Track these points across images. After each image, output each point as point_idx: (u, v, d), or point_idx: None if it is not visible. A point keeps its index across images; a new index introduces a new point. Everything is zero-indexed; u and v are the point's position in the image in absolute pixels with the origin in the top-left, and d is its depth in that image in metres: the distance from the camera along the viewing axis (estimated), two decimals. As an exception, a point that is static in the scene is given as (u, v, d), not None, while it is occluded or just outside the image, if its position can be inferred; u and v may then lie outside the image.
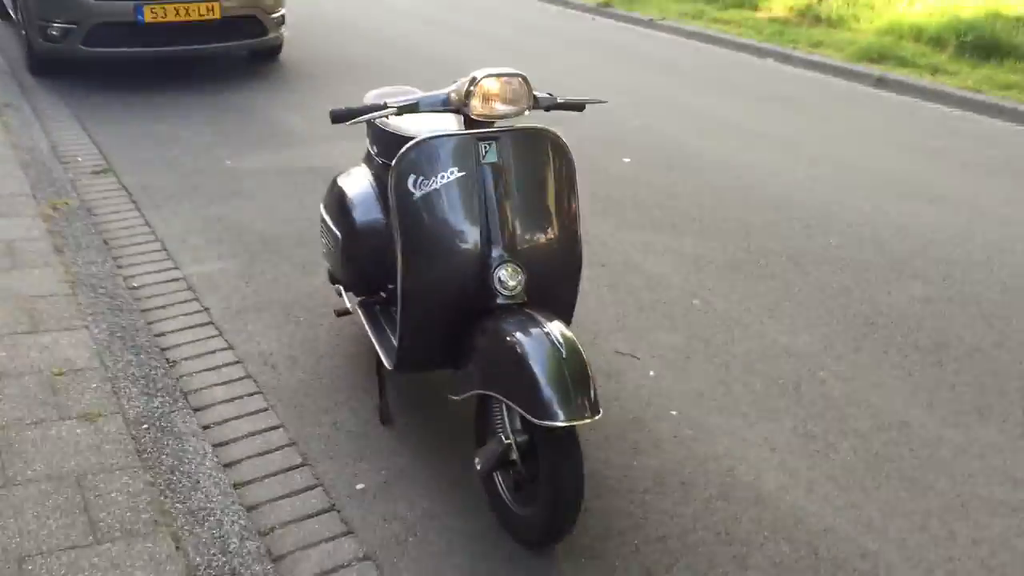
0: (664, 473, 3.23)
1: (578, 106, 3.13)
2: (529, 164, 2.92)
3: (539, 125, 2.97)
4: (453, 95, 2.83)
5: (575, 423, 2.55)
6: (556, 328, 2.68)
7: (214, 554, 2.64)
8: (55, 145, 6.35)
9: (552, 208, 2.96)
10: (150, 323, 4.10)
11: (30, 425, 3.12)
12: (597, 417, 2.57)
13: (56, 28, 7.74)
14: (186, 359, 3.85)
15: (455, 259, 2.84)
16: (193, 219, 5.23)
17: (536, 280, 2.88)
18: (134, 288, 4.43)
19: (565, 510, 2.68)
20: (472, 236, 2.83)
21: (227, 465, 3.19)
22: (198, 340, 4.00)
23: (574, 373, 2.58)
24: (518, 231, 2.87)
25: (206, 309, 4.26)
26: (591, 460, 3.20)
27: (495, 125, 2.90)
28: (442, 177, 2.81)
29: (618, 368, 3.87)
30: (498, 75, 2.79)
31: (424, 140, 2.84)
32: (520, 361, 2.60)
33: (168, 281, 4.52)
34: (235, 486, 3.08)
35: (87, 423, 3.16)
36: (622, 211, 5.57)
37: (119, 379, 3.45)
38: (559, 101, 3.04)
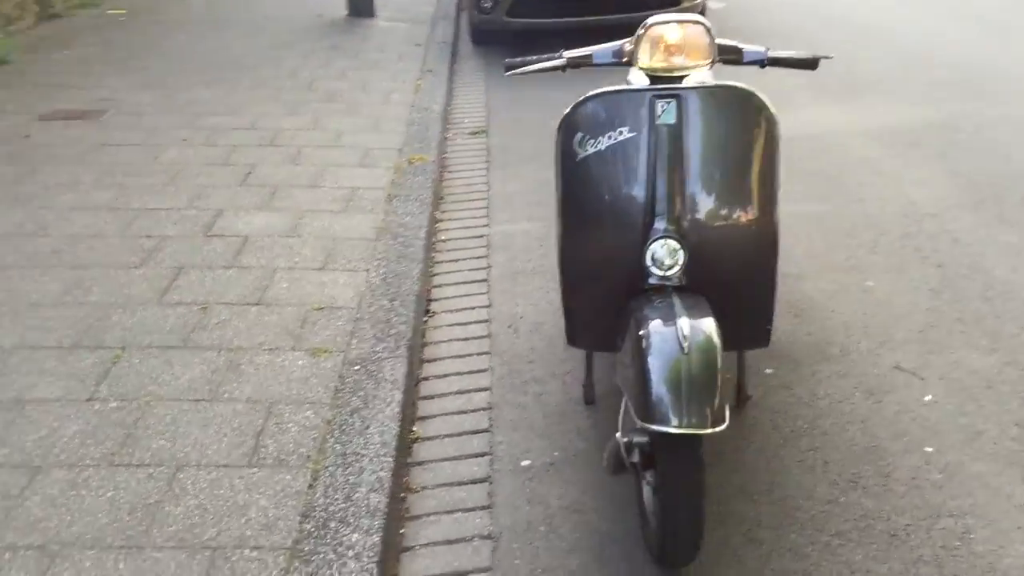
0: (873, 518, 2.62)
1: (805, 62, 2.61)
2: (716, 128, 2.51)
3: (735, 83, 2.53)
4: (627, 45, 2.50)
5: (683, 431, 2.15)
6: (696, 323, 2.28)
7: (336, 499, 2.64)
8: (450, 107, 6.81)
9: (739, 183, 2.52)
10: (434, 275, 4.23)
11: (265, 351, 3.37)
12: (716, 430, 2.16)
13: (488, 1, 8.30)
14: (445, 312, 3.92)
15: (614, 229, 2.53)
16: (529, 181, 5.30)
17: (708, 265, 2.49)
18: (441, 241, 4.61)
19: (675, 533, 2.29)
20: (635, 205, 2.51)
21: (421, 419, 3.19)
22: (466, 296, 4.05)
23: (696, 377, 2.19)
24: (690, 204, 2.48)
25: (489, 267, 4.29)
26: (791, 486, 2.72)
27: (682, 83, 2.52)
28: (609, 137, 2.52)
29: (890, 385, 3.22)
30: (670, 21, 2.42)
31: (595, 95, 2.55)
32: (640, 354, 2.26)
33: (473, 237, 4.63)
34: (412, 439, 3.07)
35: (311, 357, 3.34)
36: (992, 202, 4.62)
37: (363, 320, 3.60)
38: (772, 55, 2.57)
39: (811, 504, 2.69)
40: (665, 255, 2.45)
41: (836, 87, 6.80)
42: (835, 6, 9.94)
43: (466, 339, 3.71)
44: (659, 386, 2.19)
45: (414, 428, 3.17)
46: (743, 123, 2.53)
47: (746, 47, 2.61)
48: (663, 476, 2.27)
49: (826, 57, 2.68)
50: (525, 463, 2.95)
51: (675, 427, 2.15)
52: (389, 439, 2.93)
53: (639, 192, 2.50)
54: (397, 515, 2.73)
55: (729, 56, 2.58)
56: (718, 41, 2.59)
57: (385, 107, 6.49)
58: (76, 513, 2.57)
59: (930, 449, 2.89)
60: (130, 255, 4.12)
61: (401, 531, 2.71)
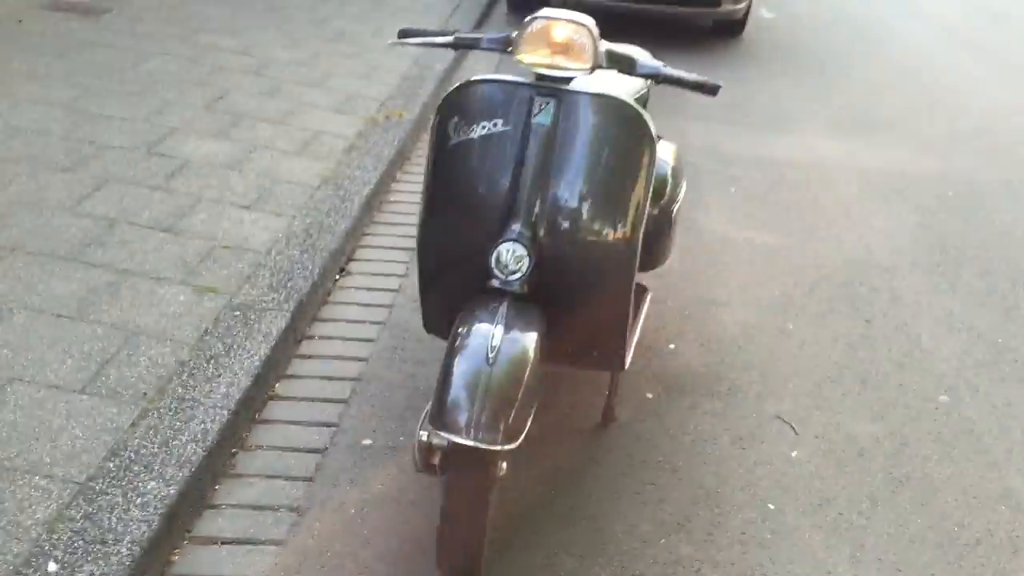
0: (683, 565, 2.54)
1: (700, 86, 2.48)
2: (592, 138, 2.40)
3: (622, 96, 2.43)
4: (515, 35, 2.39)
5: (469, 443, 2.07)
6: (513, 336, 2.19)
7: (153, 443, 2.60)
8: (456, 68, 6.70)
9: (605, 198, 2.42)
10: (365, 234, 4.18)
11: (151, 279, 3.33)
12: (504, 448, 2.08)
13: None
14: (360, 274, 3.87)
15: (470, 223, 2.44)
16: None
17: (558, 276, 2.40)
18: (389, 202, 4.55)
19: (451, 543, 2.22)
20: (494, 201, 2.41)
21: (287, 377, 3.16)
22: (388, 262, 4.01)
23: (495, 390, 2.10)
24: (550, 212, 2.39)
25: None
26: (615, 517, 2.66)
27: (568, 85, 2.41)
28: (482, 127, 2.42)
29: (763, 434, 3.12)
30: (554, 17, 2.30)
31: (476, 80, 2.45)
32: (449, 354, 2.18)
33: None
34: (269, 396, 3.04)
35: (195, 294, 3.29)
36: (949, 266, 4.46)
37: (264, 267, 3.54)
38: (666, 73, 2.44)
39: (627, 540, 2.61)
40: (510, 260, 2.35)
41: (852, 119, 6.60)
42: (888, 33, 9.65)
43: (367, 305, 3.65)
44: (456, 392, 2.11)
45: (276, 386, 3.12)
46: (621, 138, 2.42)
47: (641, 59, 2.49)
48: (448, 484, 2.20)
49: (718, 86, 2.56)
50: (367, 442, 2.90)
51: (461, 437, 2.08)
52: (234, 392, 2.88)
53: (500, 190, 2.40)
54: (215, 470, 2.69)
55: (620, 66, 2.47)
56: (611, 47, 2.47)
57: (387, 56, 6.40)
58: None
59: (772, 507, 2.79)
60: (63, 157, 4.10)
61: (216, 487, 2.66)
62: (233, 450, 2.81)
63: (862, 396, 3.39)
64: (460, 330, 2.21)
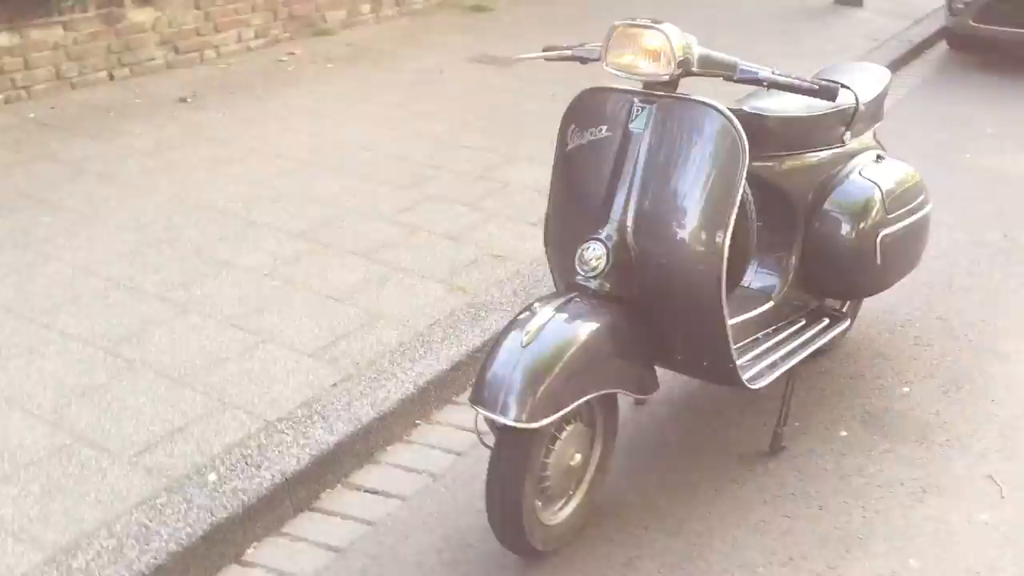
0: None
1: (815, 91, 2.36)
2: (683, 142, 2.42)
3: (704, 99, 2.40)
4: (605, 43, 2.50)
5: (491, 416, 2.24)
6: (559, 325, 2.31)
7: (341, 400, 3.07)
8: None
9: (693, 203, 2.42)
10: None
11: (417, 276, 3.83)
12: (525, 426, 2.22)
13: (962, 1, 7.62)
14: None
15: (575, 223, 2.57)
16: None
17: (649, 280, 2.45)
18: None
19: (492, 516, 2.37)
20: (594, 203, 2.52)
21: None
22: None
23: (527, 371, 2.25)
24: (636, 215, 2.45)
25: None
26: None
27: (664, 91, 2.46)
28: (591, 133, 2.55)
29: (955, 490, 2.76)
30: (629, 23, 2.37)
31: (589, 89, 2.59)
32: (498, 337, 2.35)
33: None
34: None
35: (446, 291, 3.74)
36: None
37: (518, 275, 3.88)
38: (775, 79, 2.37)
39: (722, 560, 2.51)
40: (591, 258, 2.45)
41: None
42: None
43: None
44: (490, 370, 2.28)
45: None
46: (712, 143, 2.40)
47: (743, 64, 2.42)
48: (490, 458, 2.35)
49: (835, 89, 2.38)
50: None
51: (486, 410, 2.25)
52: (427, 372, 3.25)
53: (600, 192, 2.51)
54: (390, 434, 3.07)
55: (719, 71, 2.43)
56: (709, 53, 2.45)
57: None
58: None
59: (914, 563, 2.48)
60: (409, 178, 4.81)
61: (387, 447, 3.05)
62: (416, 421, 3.17)
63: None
64: (519, 316, 2.37)
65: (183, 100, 5.92)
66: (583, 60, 2.66)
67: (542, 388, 2.23)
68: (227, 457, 2.78)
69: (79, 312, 3.47)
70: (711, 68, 2.43)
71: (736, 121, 2.40)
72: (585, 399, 2.34)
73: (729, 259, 2.54)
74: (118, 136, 5.25)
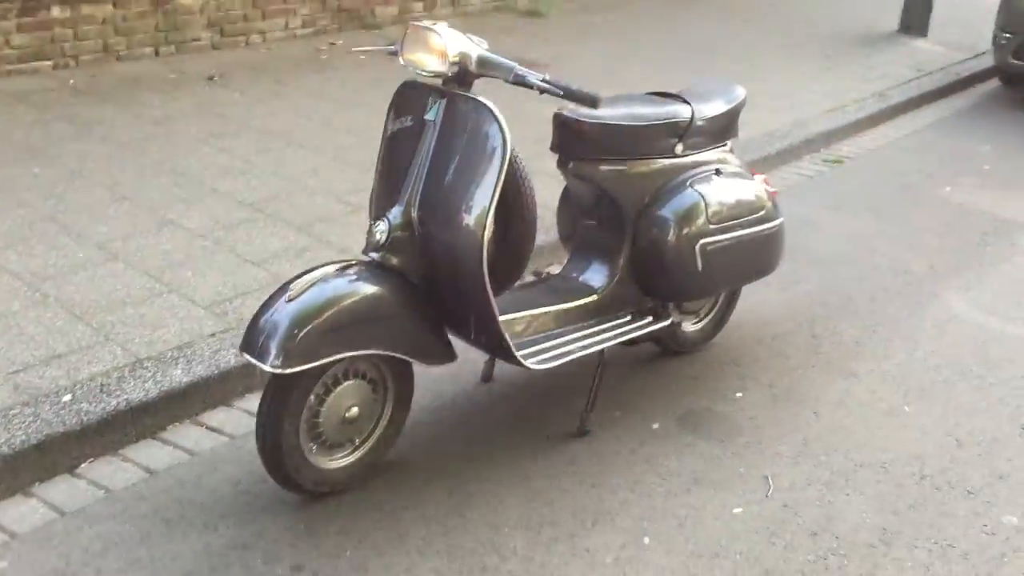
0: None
1: (581, 97, 2.58)
2: (457, 134, 2.70)
3: (481, 98, 2.65)
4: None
5: (247, 357, 2.55)
6: (329, 285, 2.59)
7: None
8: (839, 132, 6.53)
9: (463, 189, 2.67)
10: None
11: (327, 248, 4.17)
12: (280, 371, 2.52)
13: (1003, 37, 7.53)
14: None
15: (377, 202, 2.86)
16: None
17: (428, 256, 2.72)
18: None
19: (258, 450, 2.67)
20: (392, 185, 2.80)
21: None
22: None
23: (286, 322, 2.54)
24: (422, 197, 2.72)
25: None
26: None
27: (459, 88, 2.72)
28: (400, 121, 2.83)
29: (725, 484, 2.91)
30: (415, 25, 2.64)
31: (405, 82, 2.85)
32: (273, 292, 2.66)
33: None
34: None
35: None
36: None
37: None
38: (547, 81, 2.59)
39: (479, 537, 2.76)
40: (375, 232, 2.73)
41: None
42: None
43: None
44: (257, 320, 2.59)
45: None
46: (481, 137, 2.65)
47: (519, 68, 2.65)
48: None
49: (597, 98, 2.59)
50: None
51: (248, 355, 2.56)
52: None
53: (398, 174, 2.78)
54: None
55: (496, 72, 2.66)
56: (487, 56, 2.68)
57: (776, 108, 6.50)
58: None
59: (647, 541, 2.67)
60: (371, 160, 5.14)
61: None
62: (282, 375, 3.49)
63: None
64: (295, 277, 2.67)
65: (210, 79, 6.42)
66: (396, 55, 2.93)
67: (298, 338, 2.52)
68: (88, 383, 3.16)
69: (25, 251, 3.94)
70: (488, 69, 2.68)
71: (501, 120, 2.64)
72: (348, 355, 2.62)
73: (508, 245, 2.79)
74: (135, 106, 5.77)
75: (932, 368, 3.64)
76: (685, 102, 3.25)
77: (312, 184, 4.83)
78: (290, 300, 2.57)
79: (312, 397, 2.68)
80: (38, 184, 4.59)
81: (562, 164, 3.12)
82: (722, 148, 3.41)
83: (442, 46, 2.62)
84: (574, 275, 3.29)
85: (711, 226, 3.17)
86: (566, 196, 3.40)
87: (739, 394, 3.42)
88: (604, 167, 3.11)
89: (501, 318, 2.91)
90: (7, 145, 5.02)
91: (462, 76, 2.70)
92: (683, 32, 8.73)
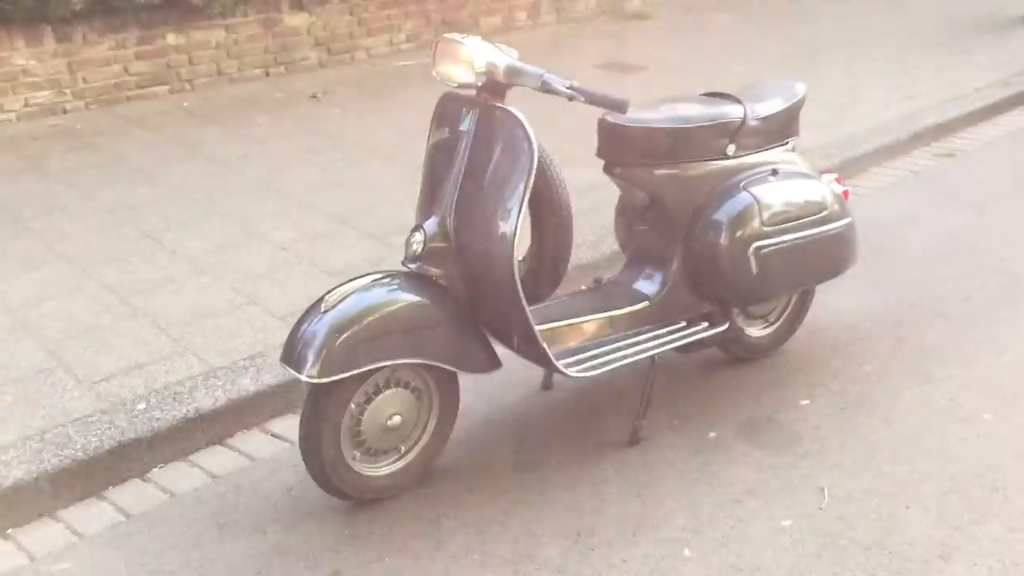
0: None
1: (607, 102, 2.56)
2: (489, 144, 2.72)
3: (506, 106, 2.67)
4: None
5: (288, 369, 2.63)
6: (363, 296, 2.65)
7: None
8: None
9: (494, 199, 2.69)
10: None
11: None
12: (316, 380, 2.59)
13: None
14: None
15: (419, 216, 2.89)
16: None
17: (465, 264, 2.75)
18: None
19: (302, 454, 2.74)
20: (431, 200, 2.84)
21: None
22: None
23: (322, 332, 2.61)
24: (457, 207, 2.75)
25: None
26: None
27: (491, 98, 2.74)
28: (440, 132, 2.86)
29: (764, 493, 2.83)
30: (443, 38, 2.66)
31: (445, 94, 2.88)
32: (311, 305, 2.73)
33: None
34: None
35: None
36: None
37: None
38: (576, 87, 2.58)
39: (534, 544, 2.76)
40: (412, 242, 2.77)
41: None
42: None
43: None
44: (295, 332, 2.67)
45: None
46: (511, 147, 2.65)
47: (548, 76, 2.63)
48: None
49: (624, 101, 2.56)
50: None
51: (288, 366, 2.64)
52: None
53: (435, 186, 2.82)
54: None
55: (526, 81, 2.65)
56: (517, 66, 2.67)
57: (843, 107, 6.25)
58: None
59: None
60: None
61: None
62: (349, 384, 3.58)
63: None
64: (331, 288, 2.73)
65: (314, 96, 6.65)
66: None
67: (334, 348, 2.58)
68: (163, 392, 3.33)
69: (122, 266, 4.17)
70: (517, 78, 2.68)
71: (528, 127, 2.64)
72: (384, 364, 2.67)
73: (546, 253, 2.78)
74: (241, 125, 6.03)
75: (1020, 375, 3.42)
76: (737, 102, 3.17)
77: (399, 196, 4.91)
78: (326, 311, 2.64)
79: (353, 406, 2.74)
80: (143, 203, 4.85)
81: (609, 170, 3.09)
82: (782, 147, 3.30)
83: (469, 57, 2.64)
84: (628, 281, 3.25)
85: (766, 228, 3.08)
86: (621, 202, 3.36)
87: (805, 402, 3.30)
88: (651, 172, 3.07)
89: (546, 326, 2.91)
90: (120, 167, 5.33)
91: (493, 86, 2.71)
92: (797, 27, 8.48)
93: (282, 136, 5.84)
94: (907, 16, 8.87)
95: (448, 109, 2.85)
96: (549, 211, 2.79)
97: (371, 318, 2.64)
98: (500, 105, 2.72)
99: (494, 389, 3.36)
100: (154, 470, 3.14)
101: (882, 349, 3.61)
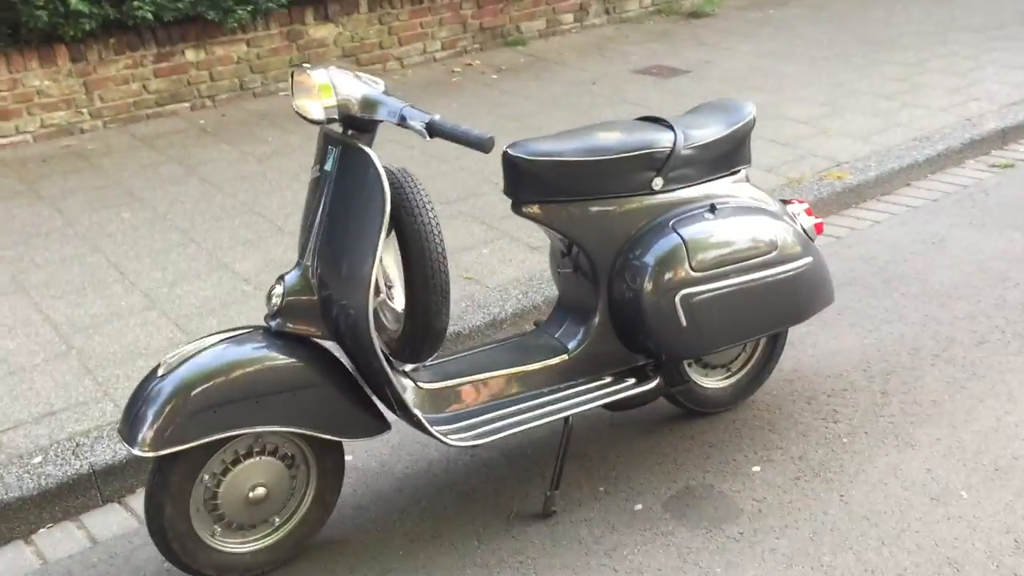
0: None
1: (472, 142, 2.22)
2: (346, 183, 2.43)
3: (364, 146, 2.36)
4: None
5: (123, 442, 2.38)
6: (200, 358, 2.38)
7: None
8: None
9: (347, 245, 2.38)
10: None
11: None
12: (145, 455, 2.34)
13: None
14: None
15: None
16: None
17: (328, 320, 2.47)
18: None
19: (148, 532, 2.49)
20: (300, 241, 2.55)
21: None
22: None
23: (154, 400, 2.35)
24: (319, 254, 2.47)
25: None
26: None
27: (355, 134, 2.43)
28: (313, 170, 2.57)
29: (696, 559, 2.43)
30: (298, 68, 2.36)
31: (321, 129, 2.58)
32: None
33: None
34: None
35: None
36: None
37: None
38: (437, 123, 2.25)
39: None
40: (272, 295, 2.48)
41: None
42: None
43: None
44: (131, 399, 2.41)
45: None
46: (366, 188, 2.36)
47: (407, 109, 2.29)
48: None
49: (490, 140, 2.20)
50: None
51: (121, 439, 2.39)
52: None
53: (304, 229, 2.53)
54: None
55: (383, 117, 2.33)
56: (375, 98, 2.35)
57: (933, 105, 5.67)
58: None
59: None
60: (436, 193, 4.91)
61: None
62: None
63: None
64: (179, 348, 2.47)
65: (332, 109, 6.43)
66: None
67: (169, 417, 2.32)
68: (65, 444, 3.14)
69: (75, 300, 4.02)
70: (375, 112, 2.36)
71: (380, 169, 2.33)
72: (229, 435, 2.39)
73: (416, 310, 2.46)
74: (249, 143, 5.86)
75: (1018, 441, 2.91)
76: (669, 128, 2.77)
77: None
78: (165, 375, 2.38)
79: (206, 476, 2.47)
80: (120, 229, 4.71)
81: (516, 209, 2.73)
82: (730, 178, 2.88)
83: (318, 90, 2.33)
84: (551, 331, 2.89)
85: (696, 274, 2.67)
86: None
87: (756, 468, 2.88)
88: (565, 210, 2.70)
89: (438, 385, 2.61)
90: (111, 189, 5.22)
91: (352, 121, 2.40)
92: (861, 23, 7.85)
93: (286, 155, 5.64)
94: (992, 6, 8.12)
95: (321, 145, 2.55)
96: (419, 262, 2.46)
97: (215, 382, 2.36)
98: (354, 142, 2.40)
99: (408, 447, 3.05)
100: (41, 531, 2.94)
101: (863, 403, 3.14)
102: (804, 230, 3.00)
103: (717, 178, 2.85)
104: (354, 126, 2.42)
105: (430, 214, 2.47)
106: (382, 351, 2.47)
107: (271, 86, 6.86)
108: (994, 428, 2.97)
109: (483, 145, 2.25)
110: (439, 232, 2.47)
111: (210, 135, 6.09)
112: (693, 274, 2.67)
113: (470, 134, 2.27)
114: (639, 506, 2.76)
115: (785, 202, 3.09)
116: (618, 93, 6.39)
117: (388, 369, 2.42)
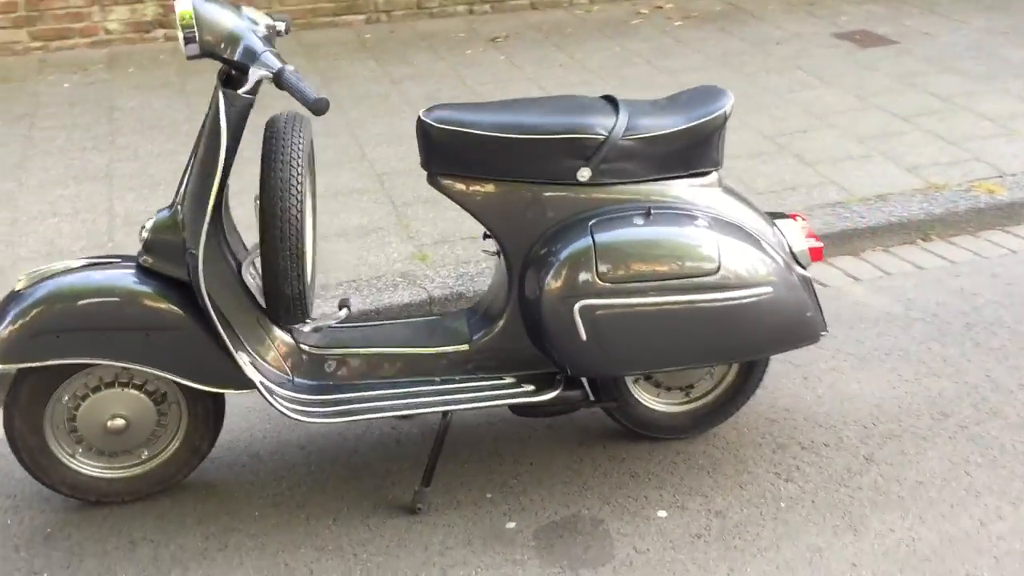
0: None
1: (306, 100, 2.04)
2: (205, 126, 2.32)
3: (220, 85, 2.27)
4: None
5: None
6: (69, 279, 2.38)
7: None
8: None
9: (196, 188, 2.30)
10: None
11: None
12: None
13: None
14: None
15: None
16: None
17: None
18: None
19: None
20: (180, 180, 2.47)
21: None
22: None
23: (9, 315, 2.36)
24: (185, 196, 2.35)
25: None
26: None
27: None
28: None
29: None
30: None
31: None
32: None
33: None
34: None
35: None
36: None
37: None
38: (278, 72, 2.14)
39: None
40: (142, 229, 2.41)
41: None
42: None
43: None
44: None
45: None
46: (213, 128, 2.24)
47: (267, 57, 2.10)
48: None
49: (322, 102, 2.03)
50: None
51: None
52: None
53: (184, 170, 2.44)
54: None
55: (239, 56, 2.14)
56: (239, 32, 2.18)
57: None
58: None
59: None
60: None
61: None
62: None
63: None
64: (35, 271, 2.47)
65: (494, 39, 6.27)
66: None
67: (11, 333, 2.32)
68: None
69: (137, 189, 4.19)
70: (236, 52, 2.18)
71: (222, 110, 2.22)
72: (71, 361, 2.36)
73: (267, 267, 2.31)
74: (394, 63, 5.82)
75: (989, 555, 2.34)
76: (613, 112, 2.39)
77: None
78: (18, 292, 2.38)
79: (67, 397, 2.47)
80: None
81: (431, 180, 2.48)
82: (689, 180, 2.46)
83: (179, 20, 2.18)
84: (466, 317, 2.64)
85: (601, 284, 2.31)
86: None
87: (663, 513, 2.51)
88: (478, 189, 2.42)
89: (319, 350, 2.48)
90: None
91: (220, 59, 2.24)
92: None
93: (422, 79, 5.54)
94: None
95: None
96: (271, 220, 2.27)
97: (61, 306, 2.34)
98: (218, 83, 2.25)
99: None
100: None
101: (835, 467, 2.65)
102: (792, 253, 2.53)
103: (669, 179, 2.44)
104: (232, 65, 2.26)
105: (296, 170, 2.28)
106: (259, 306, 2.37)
107: (449, 8, 6.77)
108: (968, 533, 2.41)
109: (315, 106, 2.06)
110: (300, 191, 2.28)
111: (366, 50, 6.10)
112: (598, 284, 2.31)
113: (306, 92, 2.08)
114: (512, 524, 2.49)
115: (777, 216, 2.62)
116: (796, 58, 5.75)
117: (219, 327, 2.30)
